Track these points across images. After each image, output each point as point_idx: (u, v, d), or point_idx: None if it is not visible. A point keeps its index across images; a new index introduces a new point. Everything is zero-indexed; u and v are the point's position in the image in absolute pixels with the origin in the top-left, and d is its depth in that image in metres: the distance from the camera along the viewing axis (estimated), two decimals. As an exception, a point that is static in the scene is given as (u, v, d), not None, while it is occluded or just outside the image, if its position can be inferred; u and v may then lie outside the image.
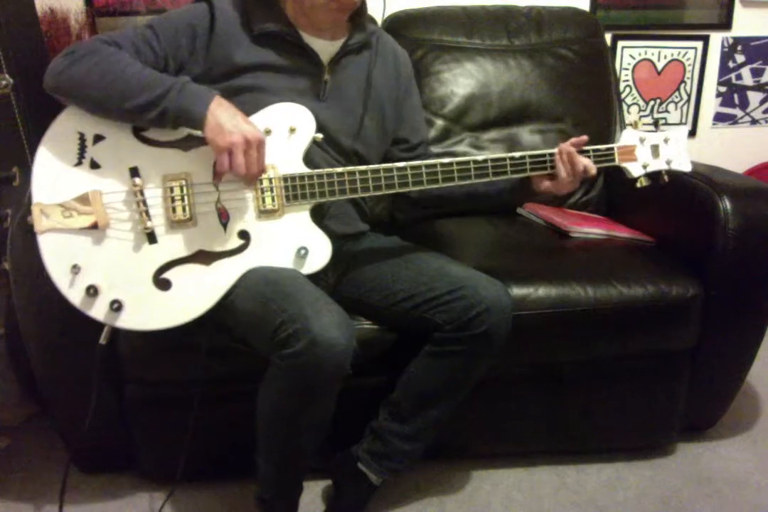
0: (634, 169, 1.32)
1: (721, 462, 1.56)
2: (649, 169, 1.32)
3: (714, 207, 1.40)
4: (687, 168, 1.34)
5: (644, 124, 1.34)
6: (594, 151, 1.29)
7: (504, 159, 1.25)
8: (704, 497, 1.45)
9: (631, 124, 1.34)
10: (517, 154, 1.26)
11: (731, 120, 2.35)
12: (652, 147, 1.32)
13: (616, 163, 1.31)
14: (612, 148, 1.31)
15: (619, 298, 1.38)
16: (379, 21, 1.87)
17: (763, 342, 1.50)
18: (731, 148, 2.36)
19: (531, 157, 1.26)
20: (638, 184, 1.32)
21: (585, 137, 1.28)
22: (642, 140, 1.32)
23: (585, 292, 1.38)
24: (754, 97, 2.34)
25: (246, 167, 1.13)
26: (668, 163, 1.33)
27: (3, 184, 1.50)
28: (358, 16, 1.33)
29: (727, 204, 1.39)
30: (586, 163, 1.26)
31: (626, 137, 1.32)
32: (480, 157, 1.25)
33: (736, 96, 2.33)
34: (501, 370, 1.39)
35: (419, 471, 1.49)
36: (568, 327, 1.39)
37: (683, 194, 1.52)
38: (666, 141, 1.32)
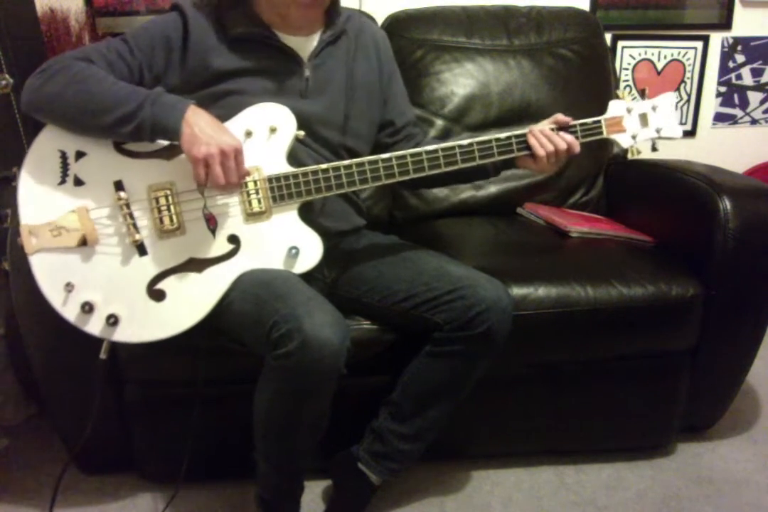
0: (624, 140, 1.30)
1: (721, 462, 1.56)
2: (639, 139, 1.30)
3: (714, 207, 1.40)
4: (678, 134, 1.31)
5: (631, 94, 1.32)
6: (581, 125, 1.28)
7: (489, 141, 1.25)
8: (704, 497, 1.45)
9: (618, 96, 1.32)
10: (502, 135, 1.25)
11: (731, 120, 2.35)
12: (641, 116, 1.29)
13: (605, 135, 1.29)
14: (599, 121, 1.29)
15: (619, 298, 1.38)
16: (380, 21, 1.87)
17: (763, 342, 1.50)
18: (731, 148, 2.35)
19: (516, 136, 1.25)
20: (630, 155, 1.31)
21: (569, 118, 1.27)
22: (629, 110, 1.29)
23: (585, 292, 1.38)
24: (754, 97, 2.33)
25: (224, 178, 1.11)
26: (658, 131, 1.30)
27: (3, 184, 1.50)
28: (332, 6, 1.31)
29: (727, 204, 1.39)
30: (569, 140, 1.24)
31: (613, 108, 1.29)
32: (465, 141, 1.24)
33: (736, 96, 2.33)
34: (501, 370, 1.39)
35: (419, 471, 1.49)
36: (568, 327, 1.38)
37: (683, 194, 1.52)
38: (654, 109, 1.29)
